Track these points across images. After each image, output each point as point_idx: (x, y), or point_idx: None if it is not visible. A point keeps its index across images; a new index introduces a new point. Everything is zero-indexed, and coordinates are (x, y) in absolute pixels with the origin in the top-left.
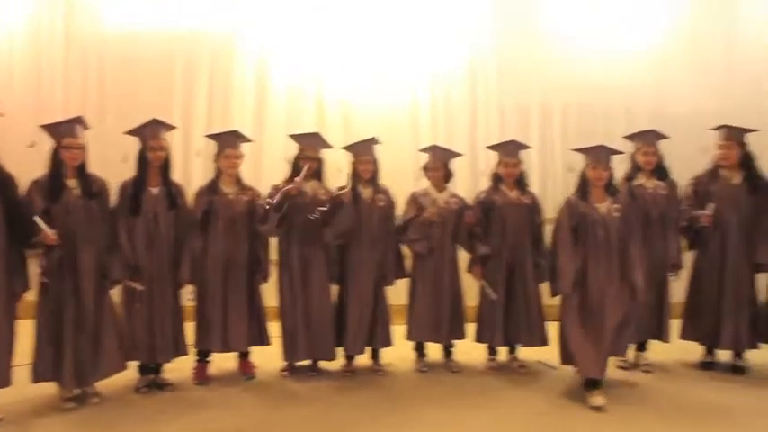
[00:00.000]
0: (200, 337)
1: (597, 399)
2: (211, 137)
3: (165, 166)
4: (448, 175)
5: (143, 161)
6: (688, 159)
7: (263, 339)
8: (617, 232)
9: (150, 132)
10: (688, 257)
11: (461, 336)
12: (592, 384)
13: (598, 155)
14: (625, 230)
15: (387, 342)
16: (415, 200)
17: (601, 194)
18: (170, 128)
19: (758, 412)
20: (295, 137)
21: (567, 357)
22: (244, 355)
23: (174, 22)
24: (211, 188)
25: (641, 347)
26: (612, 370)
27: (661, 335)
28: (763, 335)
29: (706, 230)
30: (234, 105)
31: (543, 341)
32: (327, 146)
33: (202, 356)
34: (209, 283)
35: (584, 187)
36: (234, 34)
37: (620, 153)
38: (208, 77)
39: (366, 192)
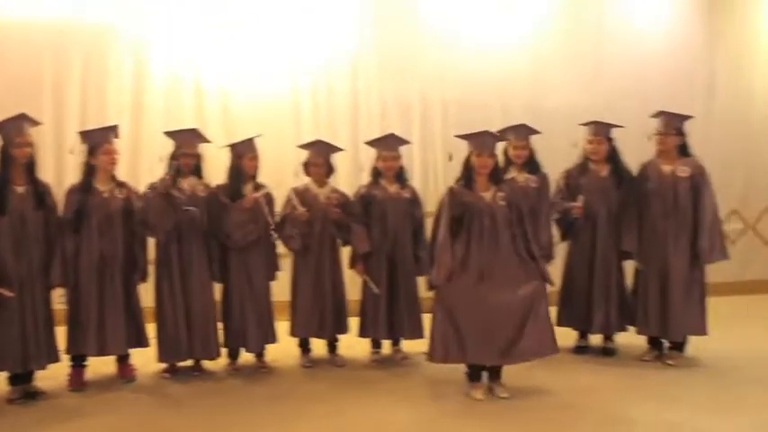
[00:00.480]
0: (75, 342)
1: (477, 392)
2: (86, 133)
3: (31, 164)
4: (329, 171)
5: (6, 158)
6: (563, 152)
7: (141, 341)
8: (503, 220)
9: (14, 128)
10: (562, 248)
11: (345, 330)
12: (474, 376)
13: (483, 141)
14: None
15: (272, 339)
16: (293, 196)
17: (485, 182)
18: (35, 123)
19: (624, 390)
20: (170, 134)
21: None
22: (122, 359)
23: (44, 11)
24: (84, 186)
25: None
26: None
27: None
28: (630, 318)
29: (578, 221)
30: (110, 99)
31: (421, 334)
32: (205, 140)
33: (78, 361)
34: (84, 285)
35: (468, 175)
36: (108, 24)
37: (505, 140)
38: (81, 70)
39: (248, 189)
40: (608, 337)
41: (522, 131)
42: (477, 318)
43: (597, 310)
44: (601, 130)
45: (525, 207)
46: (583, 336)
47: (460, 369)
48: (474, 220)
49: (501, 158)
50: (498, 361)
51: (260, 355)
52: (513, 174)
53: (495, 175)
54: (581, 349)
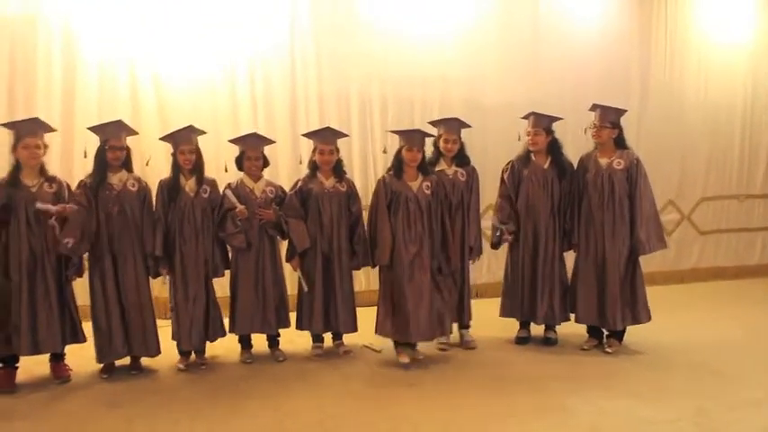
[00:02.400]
0: (5, 342)
1: (403, 356)
2: (7, 125)
3: None
4: (264, 164)
5: None
6: (501, 148)
7: (77, 337)
8: (428, 207)
9: None
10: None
11: (287, 324)
12: (402, 344)
13: (413, 137)
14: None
15: (221, 333)
16: (230, 194)
17: (414, 173)
18: None
19: (563, 378)
20: (95, 128)
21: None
22: (56, 357)
23: None
24: (11, 181)
25: (463, 326)
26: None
27: (463, 316)
28: (571, 306)
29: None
30: (39, 90)
31: (355, 328)
32: (132, 132)
33: (9, 362)
34: (13, 283)
35: (398, 166)
36: (35, 12)
37: (433, 136)
38: (7, 61)
39: (188, 183)
40: (549, 327)
41: (454, 125)
42: (403, 299)
43: (541, 301)
44: (539, 121)
45: (454, 199)
46: (524, 326)
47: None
48: (401, 207)
49: (431, 150)
50: (416, 339)
51: (200, 351)
52: (443, 166)
53: (423, 167)
54: (522, 340)
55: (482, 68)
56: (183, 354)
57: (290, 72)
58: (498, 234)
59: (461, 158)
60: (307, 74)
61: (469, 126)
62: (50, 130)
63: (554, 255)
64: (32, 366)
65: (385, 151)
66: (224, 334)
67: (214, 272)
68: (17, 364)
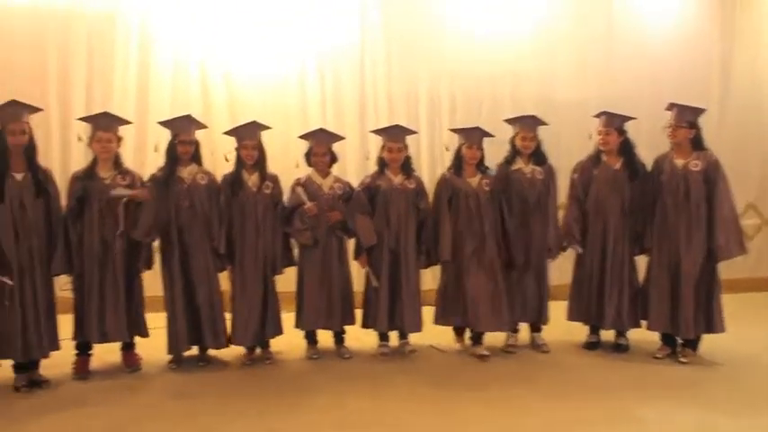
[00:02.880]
0: (79, 329)
1: (481, 348)
2: (84, 119)
3: (30, 151)
4: (332, 160)
5: (2, 145)
6: (573, 146)
7: (140, 330)
8: (487, 204)
9: (9, 115)
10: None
11: (352, 321)
12: (476, 338)
13: (473, 135)
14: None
15: (278, 331)
16: (297, 187)
17: (473, 171)
18: (34, 110)
19: (637, 388)
20: (165, 123)
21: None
22: (128, 347)
23: None
24: (87, 173)
25: (535, 329)
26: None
27: (540, 318)
28: (643, 313)
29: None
30: (115, 86)
31: (420, 327)
32: (201, 126)
33: (83, 350)
34: (86, 273)
35: (458, 163)
36: (113, 11)
37: (492, 136)
38: (86, 58)
39: (251, 179)
40: (620, 333)
41: (530, 122)
42: (463, 293)
43: (609, 306)
44: (611, 121)
45: (531, 198)
46: (594, 331)
47: (467, 361)
48: (461, 204)
49: (509, 149)
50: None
51: (265, 346)
52: (519, 165)
53: (481, 166)
54: (592, 345)
55: (554, 65)
56: (249, 348)
57: (360, 69)
58: (565, 244)
59: (538, 157)
60: (376, 70)
61: (546, 124)
62: (123, 123)
63: (623, 258)
64: (104, 354)
65: (447, 149)
66: (280, 332)
67: (273, 268)
68: (90, 352)
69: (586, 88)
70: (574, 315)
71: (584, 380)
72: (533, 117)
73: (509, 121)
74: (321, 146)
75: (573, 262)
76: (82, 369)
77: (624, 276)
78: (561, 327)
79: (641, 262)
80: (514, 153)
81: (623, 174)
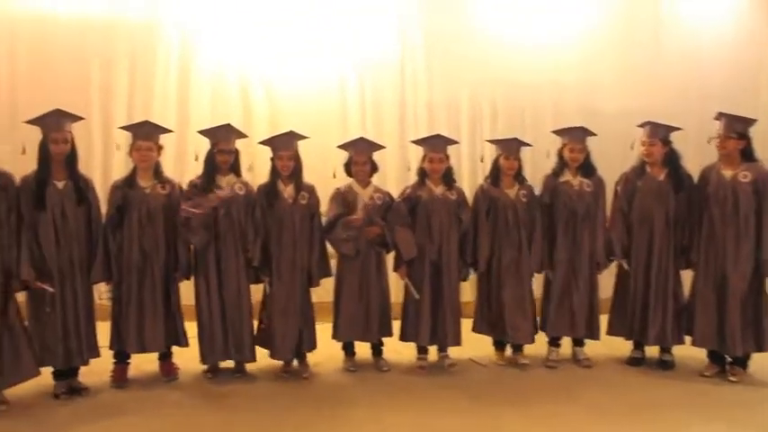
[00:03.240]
0: (117, 338)
1: (522, 357)
2: (125, 128)
3: (71, 159)
4: (373, 170)
5: (45, 154)
6: (616, 157)
7: (179, 341)
8: (524, 215)
9: (52, 123)
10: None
11: (389, 333)
12: (516, 348)
13: (510, 146)
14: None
15: (312, 345)
16: (338, 197)
17: (511, 181)
18: (76, 119)
19: (684, 407)
20: (205, 132)
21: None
22: (165, 356)
23: (90, 8)
24: (127, 182)
25: (578, 343)
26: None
27: (591, 332)
28: (688, 329)
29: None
30: (156, 95)
31: (460, 341)
32: (241, 136)
33: (121, 358)
34: (124, 282)
35: (496, 174)
36: (154, 21)
37: (529, 145)
38: (128, 66)
39: (287, 189)
40: (665, 349)
41: (579, 134)
42: (500, 303)
43: (653, 321)
44: (656, 131)
45: (580, 210)
46: (637, 346)
47: (507, 375)
48: (499, 214)
49: (556, 160)
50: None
51: (302, 360)
52: (567, 177)
53: (519, 177)
54: (635, 361)
55: (598, 73)
56: (286, 361)
57: (400, 77)
58: (611, 258)
59: (587, 168)
60: (416, 79)
61: (594, 134)
62: (164, 131)
63: (668, 272)
64: (142, 363)
65: (482, 160)
66: (315, 347)
67: (310, 280)
68: (128, 360)
69: (630, 97)
70: (615, 329)
71: (628, 397)
72: (582, 128)
73: (557, 132)
74: (362, 155)
75: (614, 275)
76: (119, 378)
77: (669, 291)
78: (602, 341)
79: (687, 276)
80: (562, 165)
81: (668, 185)
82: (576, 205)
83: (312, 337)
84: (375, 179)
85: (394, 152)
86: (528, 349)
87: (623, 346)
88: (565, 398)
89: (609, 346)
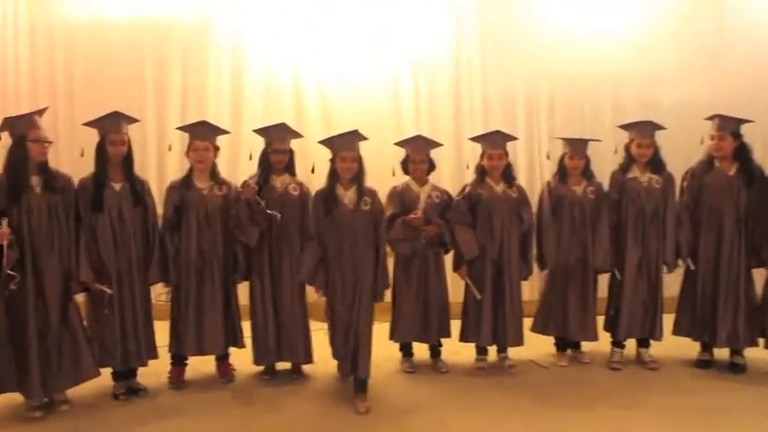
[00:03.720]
0: (176, 341)
1: (582, 355)
2: (182, 128)
3: (127, 161)
4: (430, 168)
5: (102, 155)
6: (678, 151)
7: (237, 341)
8: (592, 213)
9: (110, 125)
10: None
11: (447, 334)
12: (576, 346)
13: (576, 146)
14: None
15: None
16: (395, 196)
17: (578, 178)
18: (132, 121)
19: (756, 412)
20: (260, 131)
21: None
22: (221, 358)
23: (143, 9)
24: (184, 183)
25: (643, 344)
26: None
27: (654, 332)
28: (762, 330)
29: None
30: (209, 96)
31: (522, 341)
32: (296, 135)
33: (179, 360)
34: (183, 284)
35: (562, 171)
36: (207, 21)
37: (598, 140)
38: (181, 67)
39: (347, 194)
40: (736, 352)
41: (648, 128)
42: (563, 301)
43: (723, 322)
44: (725, 124)
45: (649, 208)
46: (705, 348)
47: (570, 377)
48: (565, 212)
49: (624, 156)
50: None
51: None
52: (635, 173)
53: (587, 173)
54: (704, 363)
55: (658, 64)
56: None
57: (455, 73)
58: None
59: (656, 164)
60: (471, 74)
61: (664, 128)
62: (221, 132)
63: (739, 271)
64: (199, 364)
65: (548, 157)
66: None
67: (374, 295)
68: (186, 362)
69: (693, 89)
70: (682, 330)
71: (698, 402)
72: (651, 123)
73: (624, 126)
74: (419, 153)
75: (680, 273)
76: (177, 379)
77: (740, 291)
78: (667, 342)
79: (759, 275)
80: (630, 160)
81: (738, 180)
82: (645, 203)
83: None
84: (431, 177)
85: (449, 149)
86: (587, 349)
87: (689, 349)
88: (631, 402)
89: (674, 347)
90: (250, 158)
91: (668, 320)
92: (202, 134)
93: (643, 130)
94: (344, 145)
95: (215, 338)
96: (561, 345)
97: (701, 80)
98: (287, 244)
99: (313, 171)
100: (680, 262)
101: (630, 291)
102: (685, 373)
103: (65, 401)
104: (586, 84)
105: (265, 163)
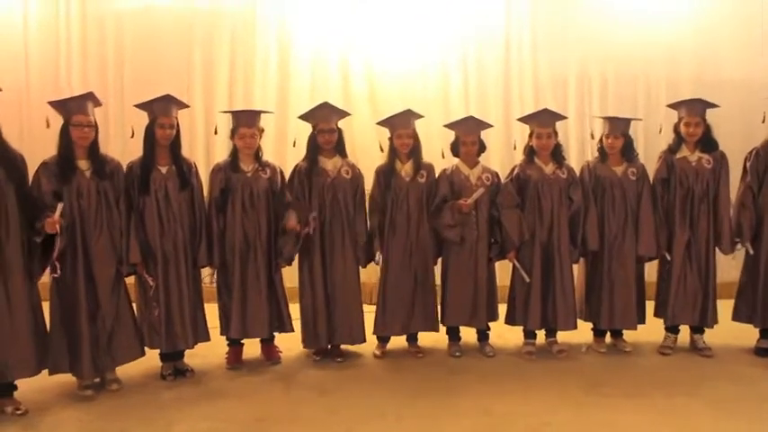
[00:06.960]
0: (224, 323)
1: (624, 343)
2: (227, 112)
3: (175, 145)
4: (481, 149)
5: (151, 138)
6: (736, 130)
7: (283, 326)
8: (633, 193)
9: (160, 108)
10: None
11: (495, 318)
12: (599, 333)
13: (614, 124)
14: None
15: (428, 325)
16: (445, 178)
17: (618, 159)
18: (183, 106)
19: None
20: (305, 116)
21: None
22: (267, 340)
23: None
24: (229, 166)
25: (697, 330)
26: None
27: (705, 319)
28: None
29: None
30: (256, 79)
31: (575, 324)
32: (343, 114)
33: (234, 341)
34: (228, 266)
35: (603, 152)
36: (254, 7)
37: (639, 120)
38: (228, 51)
39: (405, 168)
40: None
41: (697, 106)
42: (602, 285)
43: None
44: None
45: (698, 189)
46: (765, 335)
47: (620, 363)
48: (606, 192)
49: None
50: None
51: (412, 340)
52: (685, 153)
53: (627, 153)
54: (764, 351)
55: (714, 42)
56: (382, 339)
57: (504, 54)
58: (737, 240)
59: (707, 143)
60: (521, 55)
61: (716, 105)
62: (264, 112)
63: None
64: (245, 347)
65: (592, 136)
66: (431, 328)
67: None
68: (242, 342)
69: (751, 67)
70: (742, 316)
71: (756, 391)
72: (700, 100)
73: (672, 105)
74: (470, 135)
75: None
76: (234, 360)
77: None
78: (724, 328)
79: None
80: (679, 140)
81: None
82: (693, 183)
83: (429, 317)
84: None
85: (498, 130)
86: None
87: (747, 336)
88: (685, 390)
89: (732, 334)
90: (294, 145)
91: (727, 306)
92: (248, 121)
93: (691, 107)
94: (401, 123)
95: (259, 322)
96: (599, 331)
97: (760, 58)
98: (339, 226)
99: (294, 145)
100: (738, 246)
101: (678, 275)
102: (743, 361)
103: (115, 380)
104: (639, 63)
105: (313, 144)
